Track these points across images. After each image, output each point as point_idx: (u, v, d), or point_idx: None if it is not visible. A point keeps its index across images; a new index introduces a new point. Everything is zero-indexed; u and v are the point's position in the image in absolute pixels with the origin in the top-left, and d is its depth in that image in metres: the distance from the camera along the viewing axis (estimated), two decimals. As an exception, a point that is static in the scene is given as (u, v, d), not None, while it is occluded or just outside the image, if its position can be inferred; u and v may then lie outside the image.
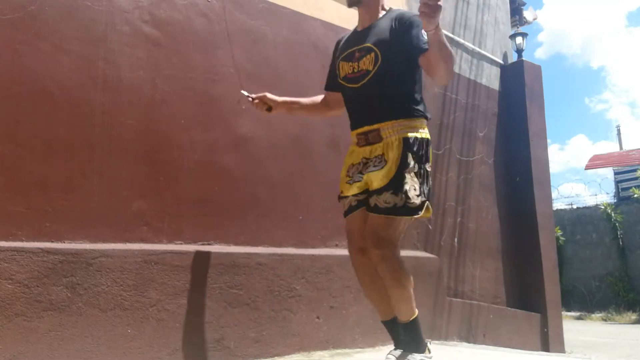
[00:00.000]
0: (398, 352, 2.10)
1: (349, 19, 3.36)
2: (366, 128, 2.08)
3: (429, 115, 2.13)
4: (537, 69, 5.42)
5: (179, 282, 2.36)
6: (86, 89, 2.35)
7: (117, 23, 2.48)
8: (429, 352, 2.10)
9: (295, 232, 3.02)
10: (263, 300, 2.63)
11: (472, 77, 4.84)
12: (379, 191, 1.99)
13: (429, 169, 2.07)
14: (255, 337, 2.56)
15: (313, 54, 3.32)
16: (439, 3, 1.71)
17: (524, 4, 6.36)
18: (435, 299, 3.64)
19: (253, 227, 2.83)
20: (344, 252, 3.15)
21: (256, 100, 2.38)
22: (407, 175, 1.97)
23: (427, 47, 1.93)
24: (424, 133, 2.07)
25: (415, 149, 2.01)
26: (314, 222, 3.13)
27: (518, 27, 6.03)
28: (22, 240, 2.09)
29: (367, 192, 2.07)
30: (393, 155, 1.99)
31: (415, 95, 2.09)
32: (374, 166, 2.02)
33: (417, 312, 2.07)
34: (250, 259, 2.63)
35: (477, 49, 4.96)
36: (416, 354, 2.04)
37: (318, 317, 2.85)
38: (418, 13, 1.82)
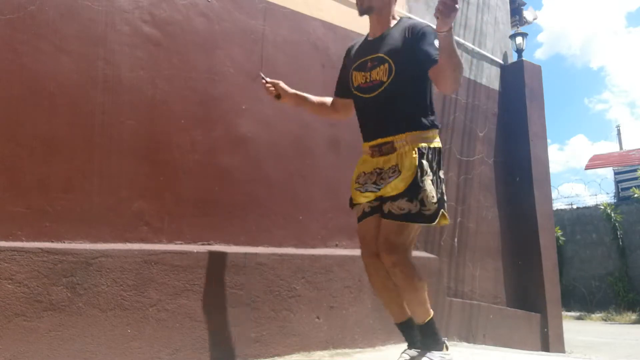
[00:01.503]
0: (413, 352, 2.13)
1: (349, 19, 3.36)
2: (380, 140, 2.09)
3: (439, 125, 2.15)
4: (537, 69, 5.41)
5: (179, 282, 2.36)
6: (86, 89, 2.35)
7: (117, 23, 2.48)
8: (447, 349, 2.14)
9: (295, 232, 3.02)
10: (263, 300, 2.63)
11: (472, 77, 4.84)
12: (394, 198, 2.01)
13: (442, 176, 2.09)
14: (255, 337, 2.56)
15: (313, 54, 3.32)
16: (456, 5, 1.73)
17: (524, 4, 6.36)
18: (435, 299, 3.63)
19: (253, 227, 2.83)
20: (344, 252, 3.16)
21: (269, 85, 2.42)
22: (423, 183, 1.99)
23: (436, 58, 1.94)
24: (437, 143, 2.10)
25: (429, 157, 2.04)
26: (314, 222, 3.13)
27: (518, 27, 6.03)
28: (22, 240, 2.09)
29: (381, 199, 2.08)
30: (407, 164, 2.01)
31: (428, 105, 2.11)
32: (389, 177, 2.04)
33: (432, 313, 2.10)
34: (250, 259, 2.63)
35: (477, 49, 4.96)
36: (435, 352, 2.08)
37: (318, 317, 2.85)
38: (429, 24, 1.83)
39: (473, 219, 4.53)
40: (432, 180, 2.02)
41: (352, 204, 2.22)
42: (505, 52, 5.41)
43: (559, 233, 12.49)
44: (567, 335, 5.16)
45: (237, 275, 2.56)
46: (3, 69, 2.14)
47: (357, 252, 3.17)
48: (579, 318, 11.92)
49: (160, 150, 2.55)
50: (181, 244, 2.54)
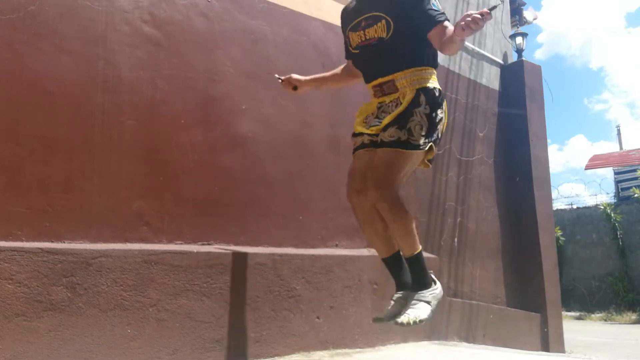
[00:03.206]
0: (398, 294, 2.16)
1: (349, 19, 3.35)
2: (380, 80, 2.17)
3: (437, 65, 2.21)
4: (537, 69, 5.42)
5: (179, 282, 2.36)
6: (86, 89, 2.35)
7: (117, 23, 2.48)
8: (435, 283, 2.15)
9: (295, 232, 3.02)
10: (263, 300, 2.63)
11: (472, 77, 4.84)
12: (386, 127, 2.08)
13: (441, 115, 2.14)
14: (255, 337, 2.56)
15: (313, 54, 3.32)
16: (483, 25, 1.80)
17: (524, 4, 6.36)
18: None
19: (253, 227, 2.83)
20: (344, 252, 3.16)
21: (284, 82, 2.51)
22: (415, 114, 2.06)
23: (438, 20, 2.04)
24: (435, 83, 2.17)
25: (428, 94, 2.10)
26: (314, 222, 3.13)
27: (518, 27, 6.03)
28: (22, 240, 2.09)
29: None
30: (406, 99, 2.09)
31: (427, 48, 2.17)
32: (391, 110, 2.11)
33: (420, 247, 2.13)
34: (250, 259, 2.63)
35: (477, 49, 4.96)
36: (424, 291, 2.09)
37: (318, 317, 2.85)
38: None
39: (473, 219, 4.53)
40: (426, 114, 2.07)
41: (354, 134, 2.28)
42: (505, 52, 5.42)
43: (559, 233, 12.49)
44: (567, 335, 5.16)
45: (236, 275, 2.56)
46: (3, 69, 2.14)
47: (357, 252, 3.18)
48: (579, 318, 11.92)
49: (160, 150, 2.55)
50: (181, 244, 2.54)
